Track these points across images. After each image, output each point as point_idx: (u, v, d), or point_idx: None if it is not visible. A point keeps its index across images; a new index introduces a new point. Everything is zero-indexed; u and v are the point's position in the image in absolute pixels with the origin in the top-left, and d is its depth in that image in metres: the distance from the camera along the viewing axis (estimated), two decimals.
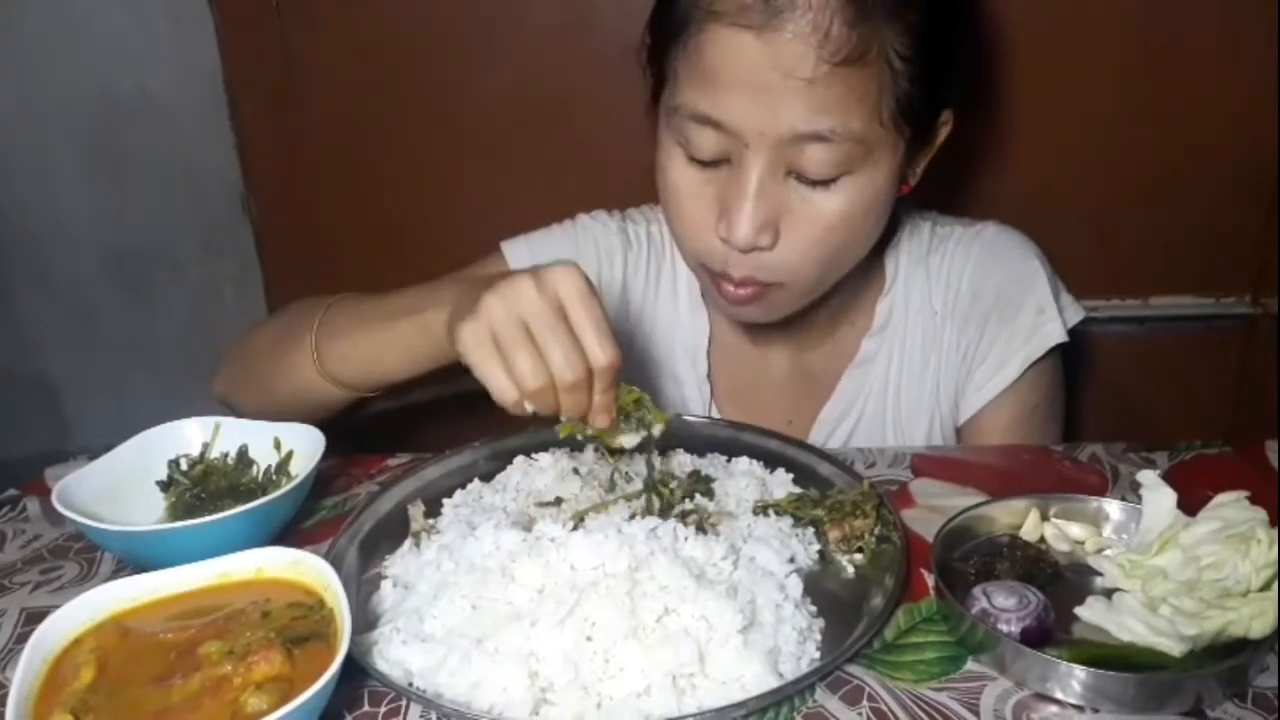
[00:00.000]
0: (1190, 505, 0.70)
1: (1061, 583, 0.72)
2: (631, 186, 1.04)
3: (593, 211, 1.08)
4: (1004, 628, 0.64)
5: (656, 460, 0.80)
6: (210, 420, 0.87)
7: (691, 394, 1.05)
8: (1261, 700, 0.61)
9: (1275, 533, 0.65)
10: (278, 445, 0.85)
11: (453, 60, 1.28)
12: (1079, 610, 0.68)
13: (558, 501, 0.78)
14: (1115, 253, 1.32)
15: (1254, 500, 0.69)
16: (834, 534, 0.76)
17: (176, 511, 0.81)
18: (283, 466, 0.85)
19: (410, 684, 0.63)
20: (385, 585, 0.73)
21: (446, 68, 1.29)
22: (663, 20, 0.85)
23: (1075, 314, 1.01)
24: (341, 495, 0.89)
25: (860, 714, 0.61)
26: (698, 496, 0.79)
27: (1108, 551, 0.74)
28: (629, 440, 0.77)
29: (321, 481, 0.87)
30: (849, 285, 0.97)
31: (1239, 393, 1.38)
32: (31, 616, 0.73)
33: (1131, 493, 0.78)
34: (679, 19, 0.82)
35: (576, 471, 0.82)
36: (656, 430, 0.77)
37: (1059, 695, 0.61)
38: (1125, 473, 0.87)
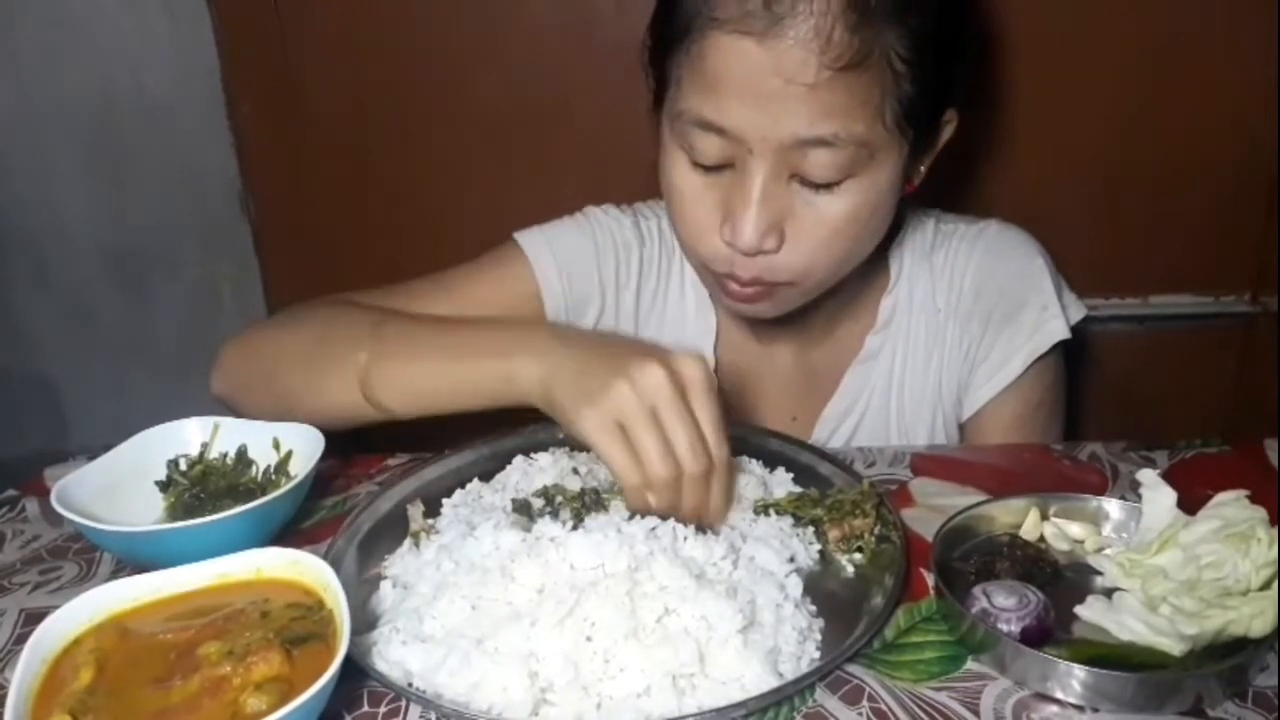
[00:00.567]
0: (1190, 504, 0.70)
1: (1061, 582, 0.72)
2: (632, 186, 1.04)
3: (602, 205, 1.07)
4: (1004, 627, 0.64)
5: None
6: (209, 420, 0.86)
7: None
8: (1262, 699, 0.61)
9: (1275, 531, 0.65)
10: (277, 445, 0.85)
11: (452, 59, 1.28)
12: (1079, 609, 0.67)
13: (555, 495, 0.78)
14: (1115, 251, 1.32)
15: (1254, 499, 0.68)
16: (834, 533, 0.76)
17: (175, 512, 0.81)
18: (282, 466, 0.84)
19: (410, 684, 0.63)
20: (384, 585, 0.73)
21: (446, 66, 1.29)
22: (664, 25, 0.84)
23: (1078, 311, 1.01)
24: (341, 495, 0.89)
25: (860, 714, 0.61)
26: None
27: (1107, 551, 0.74)
28: None
29: (321, 481, 0.87)
30: (853, 282, 0.97)
31: (1239, 391, 1.38)
32: (30, 617, 0.73)
33: (1131, 492, 0.78)
34: (681, 25, 0.81)
35: (576, 471, 0.82)
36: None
37: (1059, 695, 0.61)
38: (1125, 471, 0.87)
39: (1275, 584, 0.64)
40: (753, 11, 0.76)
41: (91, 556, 0.81)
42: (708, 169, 0.84)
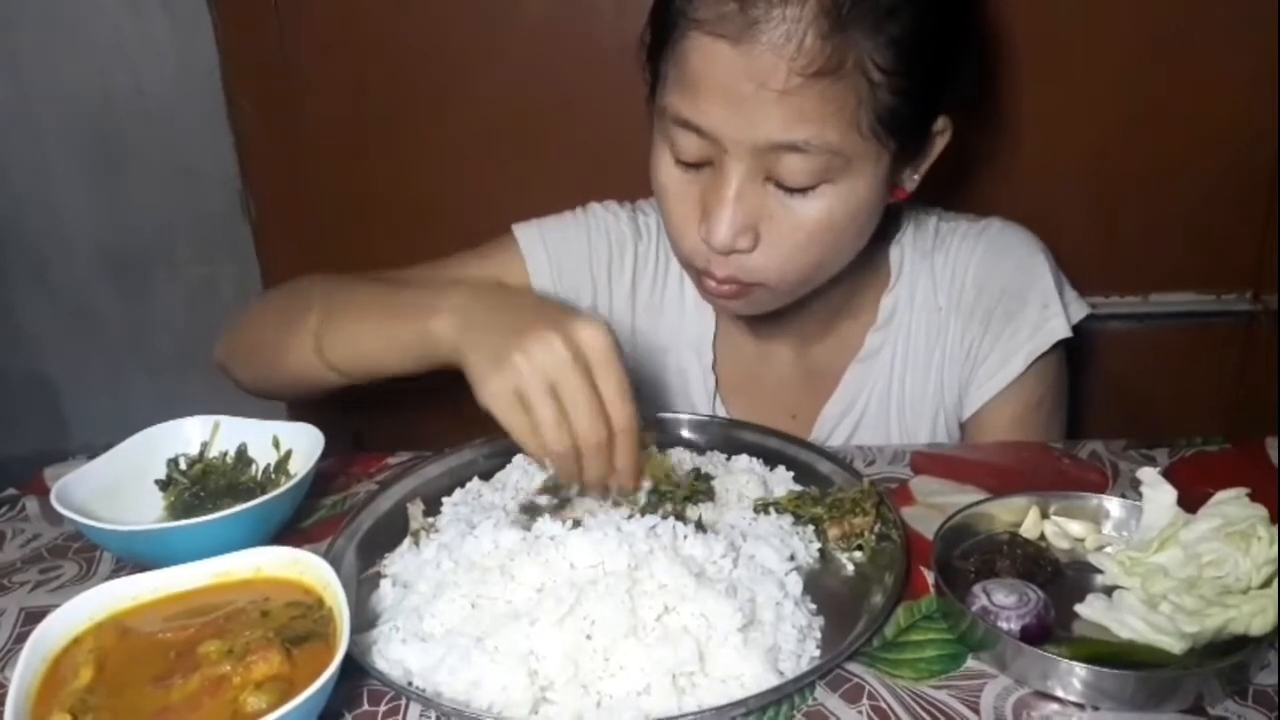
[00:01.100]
0: (1190, 502, 0.70)
1: (1062, 580, 0.71)
2: (631, 185, 1.03)
3: (603, 201, 1.08)
4: (1004, 625, 0.64)
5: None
6: (209, 419, 0.86)
7: (696, 387, 1.06)
8: (1262, 698, 0.61)
9: (1275, 530, 0.65)
10: (277, 444, 0.85)
11: (452, 58, 1.28)
12: (1079, 608, 0.67)
13: (555, 490, 0.78)
14: (1116, 249, 1.31)
15: (1254, 497, 0.68)
16: (834, 532, 0.76)
17: (175, 510, 0.81)
18: (282, 465, 0.84)
19: (409, 683, 0.63)
20: (384, 584, 0.73)
21: (445, 66, 1.28)
22: (656, 22, 0.86)
23: (1079, 310, 1.01)
24: (341, 494, 0.89)
25: (860, 712, 0.61)
26: (699, 499, 0.79)
27: (1108, 549, 0.74)
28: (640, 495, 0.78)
29: (320, 480, 0.87)
30: (853, 280, 0.97)
31: (1239, 390, 1.38)
32: (30, 616, 0.73)
33: (1132, 490, 0.78)
34: (668, 23, 0.83)
35: None
36: (647, 485, 0.78)
37: (1059, 693, 0.61)
38: (1125, 470, 0.87)
39: (1275, 582, 0.64)
40: (728, 15, 0.77)
41: (91, 555, 0.81)
42: (689, 165, 0.85)
